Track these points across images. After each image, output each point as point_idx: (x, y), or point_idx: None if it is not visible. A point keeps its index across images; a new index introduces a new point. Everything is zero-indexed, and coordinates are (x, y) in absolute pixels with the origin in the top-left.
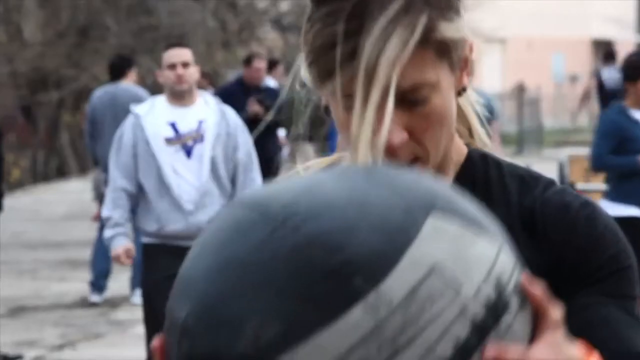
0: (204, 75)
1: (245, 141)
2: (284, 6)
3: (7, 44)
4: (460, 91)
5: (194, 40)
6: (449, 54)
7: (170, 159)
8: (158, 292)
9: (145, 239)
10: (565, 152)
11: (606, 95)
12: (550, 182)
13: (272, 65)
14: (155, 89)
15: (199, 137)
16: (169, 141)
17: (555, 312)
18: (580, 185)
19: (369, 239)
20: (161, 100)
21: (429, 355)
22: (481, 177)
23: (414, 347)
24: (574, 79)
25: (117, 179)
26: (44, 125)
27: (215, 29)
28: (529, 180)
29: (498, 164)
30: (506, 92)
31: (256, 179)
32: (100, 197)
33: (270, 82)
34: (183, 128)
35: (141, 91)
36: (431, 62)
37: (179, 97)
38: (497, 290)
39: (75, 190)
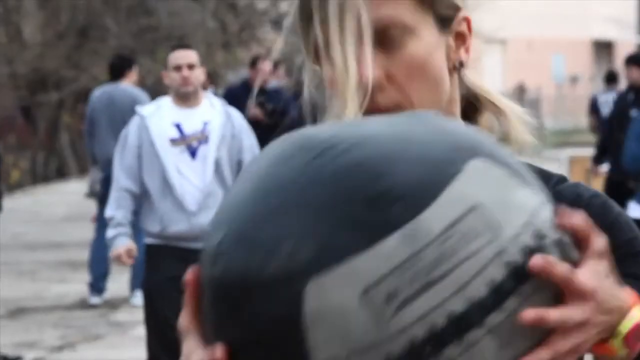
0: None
1: (250, 143)
2: (284, 7)
3: (7, 45)
4: (457, 65)
5: (194, 41)
6: (430, 4)
7: (174, 160)
8: (159, 293)
9: (148, 240)
10: (565, 153)
11: (601, 122)
12: (563, 178)
13: (273, 66)
14: (155, 90)
15: (203, 139)
16: (173, 142)
17: (599, 241)
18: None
19: (412, 169)
20: (167, 101)
21: (462, 292)
22: None
23: (447, 282)
24: (574, 79)
25: (121, 179)
26: (44, 126)
27: (215, 29)
28: (542, 176)
29: None
30: (506, 92)
31: None
32: (94, 196)
33: (273, 82)
34: (188, 129)
35: (139, 92)
36: (407, 5)
37: (185, 98)
38: (536, 239)
39: (75, 191)
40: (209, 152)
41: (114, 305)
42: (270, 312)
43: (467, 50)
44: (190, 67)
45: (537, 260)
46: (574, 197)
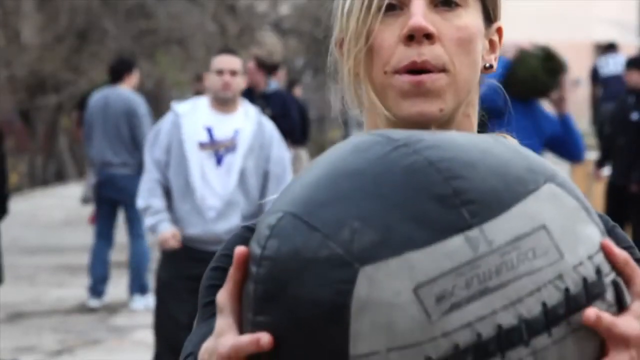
0: (200, 78)
1: (279, 154)
2: (284, 10)
3: (5, 48)
4: (487, 67)
5: (193, 44)
6: None
7: (200, 164)
8: (169, 291)
9: None
10: None
11: (602, 82)
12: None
13: (273, 68)
14: (154, 94)
15: (231, 146)
16: (202, 145)
17: None
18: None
19: (488, 178)
20: (203, 102)
21: (514, 307)
22: None
23: (502, 293)
24: (576, 82)
25: (152, 171)
26: (42, 129)
27: (215, 32)
28: None
29: None
30: None
31: None
32: (88, 202)
33: (274, 84)
34: (218, 135)
35: (134, 97)
36: None
37: (221, 103)
38: (596, 275)
39: (73, 195)
40: (234, 162)
41: (113, 309)
42: (318, 294)
43: (496, 58)
44: (233, 73)
45: (590, 314)
46: None
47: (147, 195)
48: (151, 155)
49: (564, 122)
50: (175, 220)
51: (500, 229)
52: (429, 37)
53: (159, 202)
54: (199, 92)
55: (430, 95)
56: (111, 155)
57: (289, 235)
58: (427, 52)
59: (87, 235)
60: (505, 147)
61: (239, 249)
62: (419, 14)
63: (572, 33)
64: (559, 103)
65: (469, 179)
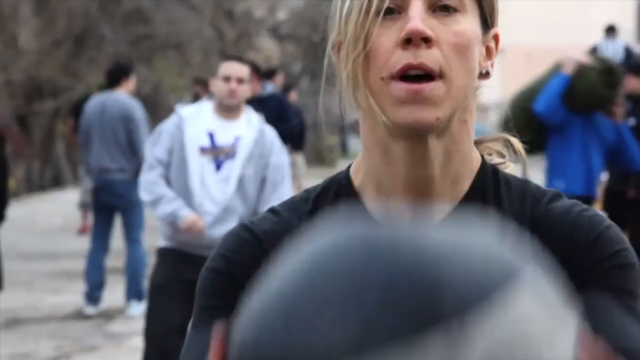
0: (200, 82)
1: (278, 162)
2: (281, 15)
3: (2, 52)
4: (483, 74)
5: (190, 49)
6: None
7: (200, 169)
8: (162, 294)
9: (161, 242)
10: None
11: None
12: (557, 194)
13: (270, 73)
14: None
15: (231, 153)
16: (203, 150)
17: None
18: None
19: (467, 275)
20: (208, 107)
21: None
22: (492, 192)
23: None
24: None
25: (155, 167)
26: (39, 135)
27: (212, 37)
28: (537, 194)
29: (507, 181)
30: (505, 101)
31: (284, 196)
32: (84, 207)
33: (269, 87)
34: (220, 140)
35: (131, 102)
36: None
37: (226, 110)
38: None
39: (70, 201)
40: (233, 168)
41: (109, 316)
42: None
43: (492, 65)
44: (240, 81)
45: None
46: (565, 210)
47: (153, 188)
48: (153, 153)
49: (619, 131)
50: (172, 222)
51: (480, 321)
52: (426, 40)
53: (170, 192)
54: (197, 95)
55: (427, 104)
56: (108, 161)
57: (268, 326)
58: (424, 55)
59: (84, 241)
60: (490, 238)
61: (216, 333)
62: (417, 18)
63: (569, 40)
64: (613, 113)
65: (448, 273)
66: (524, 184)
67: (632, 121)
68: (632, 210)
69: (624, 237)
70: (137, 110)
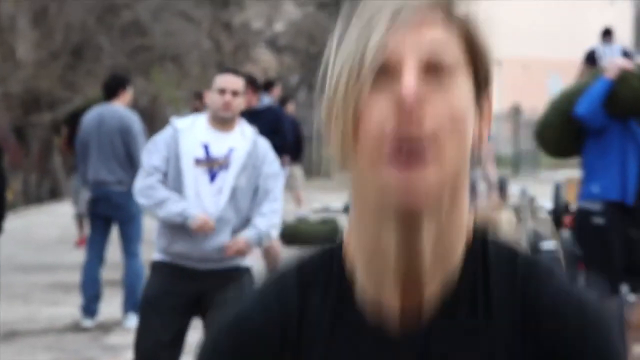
0: (200, 96)
1: (271, 171)
2: (279, 27)
3: (0, 65)
4: (480, 140)
5: (188, 61)
6: (474, 60)
7: (194, 180)
8: (153, 308)
9: (155, 255)
10: (561, 174)
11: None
12: (547, 272)
13: (268, 85)
14: (149, 111)
15: (225, 164)
16: (198, 162)
17: None
18: (575, 206)
19: None
20: (202, 120)
21: None
22: (482, 278)
23: None
24: None
25: (153, 174)
26: (37, 147)
27: (210, 49)
28: (525, 271)
29: (496, 253)
30: (502, 113)
31: (275, 209)
32: (80, 217)
33: (266, 99)
34: (214, 152)
35: (129, 114)
36: (453, 44)
37: (220, 122)
38: None
39: (68, 213)
40: (227, 180)
41: (106, 328)
42: None
43: (484, 128)
44: (235, 93)
45: None
46: (554, 295)
47: (153, 192)
48: (150, 161)
49: None
50: (165, 234)
51: None
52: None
53: (174, 194)
54: (197, 110)
55: (418, 192)
56: (106, 173)
57: None
58: (423, 118)
59: (81, 253)
60: None
61: None
62: (411, 93)
63: (566, 51)
64: None
65: None
66: (510, 256)
67: None
68: None
69: (615, 328)
70: (135, 122)
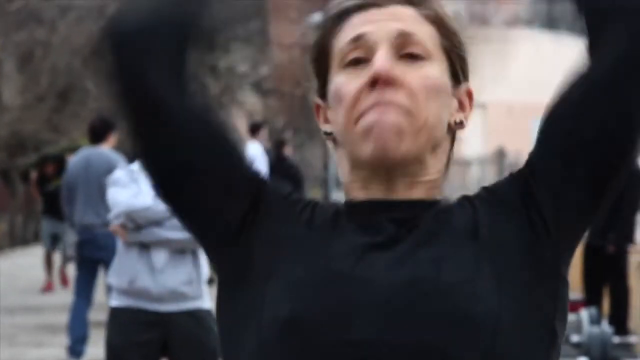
0: None
1: None
2: (264, 70)
3: None
4: (456, 124)
5: None
6: (449, 50)
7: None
8: (121, 358)
9: (112, 302)
10: None
11: None
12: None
13: (255, 128)
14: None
15: None
16: None
17: None
18: None
19: None
20: None
21: None
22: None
23: None
24: None
25: (126, 200)
26: (22, 189)
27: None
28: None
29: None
30: (487, 156)
31: None
32: (68, 261)
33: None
34: None
35: (116, 157)
36: (432, 39)
37: None
38: None
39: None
40: None
41: None
42: None
43: (466, 117)
44: None
45: None
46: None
47: (132, 201)
48: (117, 196)
49: None
50: (127, 267)
51: None
52: (392, 82)
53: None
54: None
55: (392, 109)
56: (92, 216)
57: None
58: (391, 96)
59: (67, 295)
60: None
61: None
62: (382, 59)
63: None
64: None
65: None
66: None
67: None
68: (611, 266)
69: None
70: (123, 165)
